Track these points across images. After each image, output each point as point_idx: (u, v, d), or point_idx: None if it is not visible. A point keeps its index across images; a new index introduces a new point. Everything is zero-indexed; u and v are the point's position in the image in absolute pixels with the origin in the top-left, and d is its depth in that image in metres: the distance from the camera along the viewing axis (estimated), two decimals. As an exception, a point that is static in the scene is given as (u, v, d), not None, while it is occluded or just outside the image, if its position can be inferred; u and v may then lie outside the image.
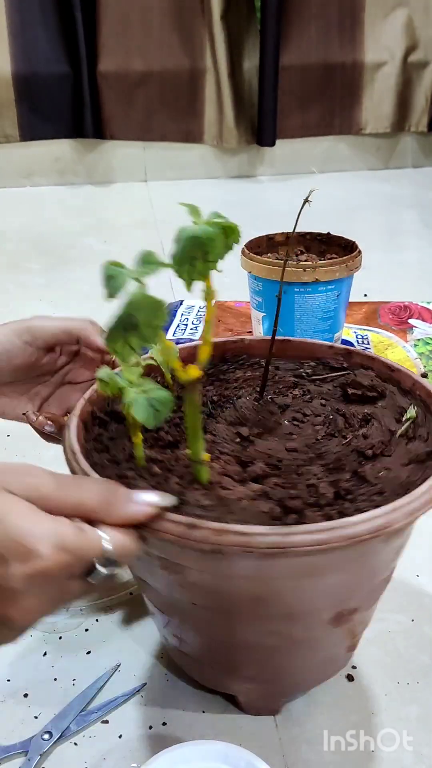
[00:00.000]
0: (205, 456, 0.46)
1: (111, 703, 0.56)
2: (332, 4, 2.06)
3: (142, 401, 0.43)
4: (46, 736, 0.54)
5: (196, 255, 0.40)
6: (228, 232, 0.42)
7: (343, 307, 0.97)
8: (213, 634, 0.50)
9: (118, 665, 0.60)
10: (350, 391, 0.57)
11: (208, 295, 0.43)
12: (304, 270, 0.91)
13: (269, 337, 0.61)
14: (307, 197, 0.49)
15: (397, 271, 1.45)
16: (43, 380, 0.65)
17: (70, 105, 2.04)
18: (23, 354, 0.60)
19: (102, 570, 0.40)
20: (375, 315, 1.21)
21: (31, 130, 2.05)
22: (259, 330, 1.00)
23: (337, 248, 1.01)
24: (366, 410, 0.56)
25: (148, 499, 0.41)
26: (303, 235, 1.04)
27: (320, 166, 2.25)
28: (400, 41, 2.13)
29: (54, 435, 0.60)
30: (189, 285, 0.41)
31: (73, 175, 2.14)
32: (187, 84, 2.08)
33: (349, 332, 1.12)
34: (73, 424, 0.51)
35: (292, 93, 2.12)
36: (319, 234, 1.03)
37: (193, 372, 0.43)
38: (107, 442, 0.52)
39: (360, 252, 0.96)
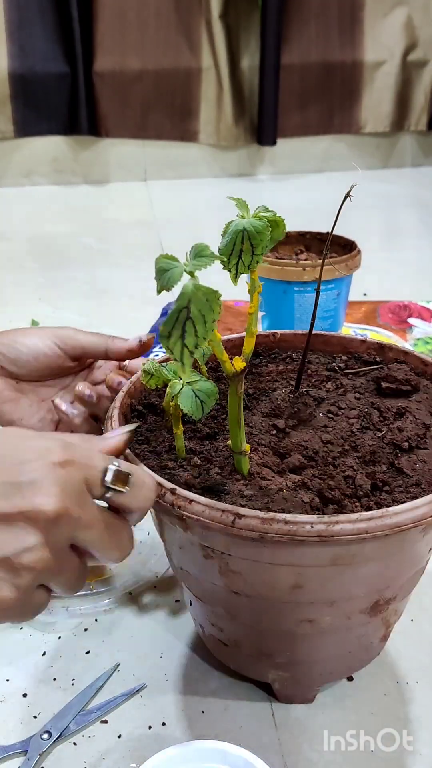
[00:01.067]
0: (246, 447, 0.47)
1: (110, 703, 0.56)
2: (332, 3, 2.06)
3: (188, 393, 0.45)
4: (46, 736, 0.54)
5: (243, 248, 0.41)
6: (273, 226, 0.43)
7: (343, 306, 0.97)
8: (251, 622, 0.51)
9: (118, 665, 0.60)
10: (384, 384, 0.58)
11: (253, 287, 0.43)
12: (304, 269, 0.90)
13: (300, 332, 0.65)
14: (349, 192, 0.49)
15: (396, 270, 1.45)
16: (64, 385, 0.66)
17: (66, 102, 2.04)
18: (53, 355, 0.63)
19: (111, 472, 0.41)
20: (374, 314, 1.21)
21: (25, 127, 2.05)
22: (259, 329, 1.00)
23: (337, 247, 1.00)
24: (400, 404, 0.56)
25: (118, 432, 0.46)
26: (303, 235, 1.04)
27: (320, 165, 2.24)
28: (399, 40, 2.12)
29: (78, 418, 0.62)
30: (235, 278, 0.42)
31: (72, 174, 2.14)
32: (184, 82, 2.07)
33: (348, 331, 1.12)
34: (114, 415, 0.52)
35: (292, 92, 2.11)
36: (319, 233, 1.03)
37: (239, 364, 0.43)
38: (146, 433, 0.53)
39: (359, 251, 0.96)
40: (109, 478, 0.41)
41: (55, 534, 0.38)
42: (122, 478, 0.41)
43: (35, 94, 2.02)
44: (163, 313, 1.25)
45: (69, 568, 0.40)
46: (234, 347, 0.66)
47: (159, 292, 0.39)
